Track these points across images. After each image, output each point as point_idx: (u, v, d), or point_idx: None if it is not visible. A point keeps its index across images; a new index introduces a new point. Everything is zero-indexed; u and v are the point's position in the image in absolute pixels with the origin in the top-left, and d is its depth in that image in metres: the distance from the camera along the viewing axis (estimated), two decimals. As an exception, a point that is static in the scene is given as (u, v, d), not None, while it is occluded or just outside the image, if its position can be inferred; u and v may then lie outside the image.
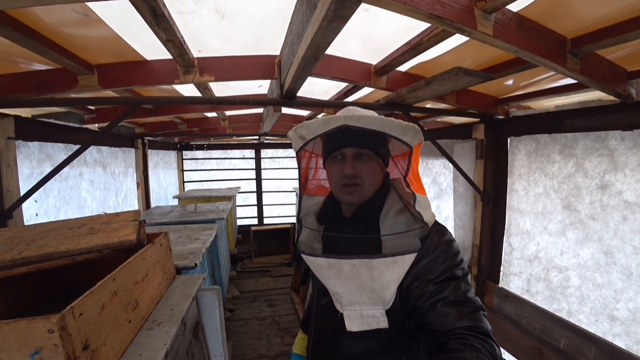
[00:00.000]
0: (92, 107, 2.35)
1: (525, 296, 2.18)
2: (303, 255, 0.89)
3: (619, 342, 1.68)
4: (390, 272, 0.78)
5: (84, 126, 2.38)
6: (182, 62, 1.60)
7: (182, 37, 1.38)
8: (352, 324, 0.81)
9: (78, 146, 1.86)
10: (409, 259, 0.78)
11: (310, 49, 1.00)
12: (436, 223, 0.87)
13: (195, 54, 1.63)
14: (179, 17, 1.25)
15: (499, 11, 1.11)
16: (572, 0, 1.10)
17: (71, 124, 2.22)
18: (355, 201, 0.90)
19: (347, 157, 0.88)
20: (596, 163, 1.77)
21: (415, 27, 1.35)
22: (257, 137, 5.19)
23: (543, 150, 2.05)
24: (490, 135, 2.31)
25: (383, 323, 0.80)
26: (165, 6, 1.09)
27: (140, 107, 1.76)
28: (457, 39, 1.45)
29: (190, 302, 1.31)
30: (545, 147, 2.03)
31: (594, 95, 1.78)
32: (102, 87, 1.63)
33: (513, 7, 1.15)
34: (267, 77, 1.80)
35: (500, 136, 2.29)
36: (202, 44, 1.54)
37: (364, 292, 0.81)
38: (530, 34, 1.21)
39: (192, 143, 5.29)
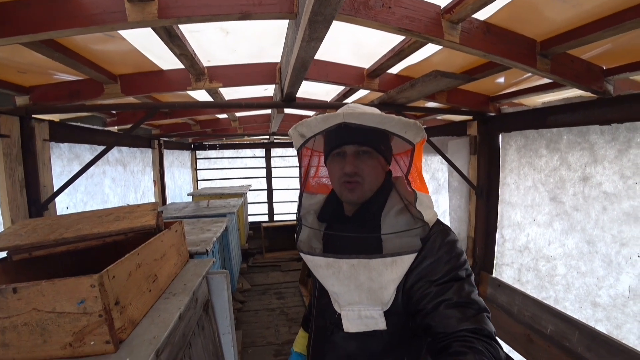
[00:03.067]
0: (114, 112, 2.60)
1: (517, 285, 2.28)
2: (302, 254, 0.89)
3: (601, 327, 1.77)
4: (389, 273, 0.77)
5: (107, 128, 2.62)
6: (194, 71, 1.80)
7: (193, 51, 1.58)
8: (350, 325, 0.81)
9: (102, 147, 2.09)
10: (408, 259, 0.77)
11: (298, 61, 1.17)
12: (440, 223, 0.86)
13: (205, 63, 1.83)
14: (190, 35, 1.44)
15: (465, 21, 1.25)
16: (539, 5, 1.20)
17: (95, 127, 2.46)
18: (356, 199, 0.88)
19: (347, 154, 0.86)
20: (578, 156, 1.87)
21: (395, 36, 1.50)
22: (267, 136, 5.40)
23: (531, 145, 2.15)
24: (483, 131, 2.42)
25: (381, 324, 0.79)
26: (178, 28, 1.29)
27: (158, 111, 1.96)
28: (432, 48, 1.58)
29: (200, 280, 1.50)
30: (533, 142, 2.14)
31: (577, 92, 1.87)
32: (124, 94, 1.85)
33: (480, 16, 1.29)
34: (269, 82, 1.98)
35: (492, 132, 2.40)
36: (210, 55, 1.73)
37: (363, 292, 0.80)
38: (497, 39, 1.35)
39: (205, 143, 5.56)
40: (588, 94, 1.77)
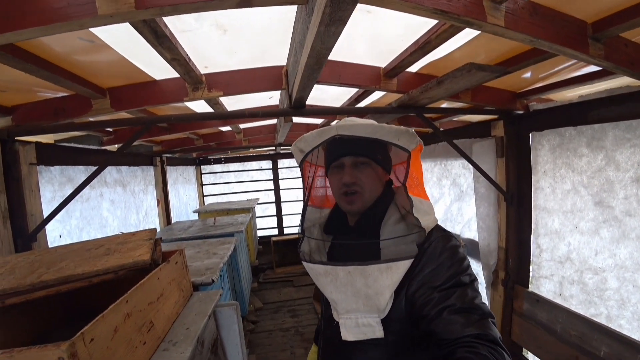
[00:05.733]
0: (110, 129, 2.43)
1: (558, 300, 2.03)
2: (303, 263, 0.91)
3: (668, 349, 1.53)
4: (384, 279, 0.78)
5: (103, 148, 2.46)
6: (190, 80, 1.62)
7: (187, 55, 1.40)
8: (348, 333, 0.81)
9: (97, 167, 1.91)
10: (403, 265, 0.78)
11: (312, 57, 0.98)
12: (441, 229, 0.87)
13: (202, 70, 1.66)
14: (182, 36, 1.26)
15: (509, 0, 1.05)
16: None
17: (91, 147, 2.30)
18: (356, 209, 0.90)
19: (345, 165, 0.89)
20: (629, 154, 1.64)
21: (422, 25, 1.31)
22: (273, 147, 5.23)
23: (569, 144, 1.92)
24: (510, 131, 2.20)
25: (378, 332, 0.79)
26: (166, 26, 1.11)
27: (154, 126, 1.79)
28: (468, 34, 1.39)
29: (206, 320, 1.30)
30: (570, 141, 1.91)
31: (620, 81, 1.66)
32: (114, 110, 1.68)
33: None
34: (275, 88, 1.79)
35: (521, 132, 2.18)
36: (207, 60, 1.55)
37: (360, 299, 0.80)
38: (545, 22, 1.14)
39: (209, 157, 5.40)
40: (635, 82, 1.57)
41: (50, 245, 1.86)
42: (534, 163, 2.14)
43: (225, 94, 1.72)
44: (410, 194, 0.84)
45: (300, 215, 1.00)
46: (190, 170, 5.00)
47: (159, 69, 1.53)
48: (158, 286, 1.22)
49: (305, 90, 1.41)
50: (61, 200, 1.79)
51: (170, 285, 1.34)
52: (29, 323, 1.31)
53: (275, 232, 5.89)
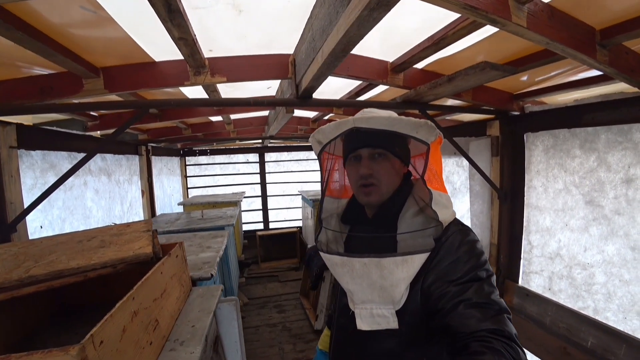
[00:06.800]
0: (96, 114, 2.28)
1: (547, 294, 2.12)
2: (320, 253, 0.92)
3: (651, 340, 1.63)
4: (400, 271, 0.78)
5: (88, 133, 2.30)
6: (193, 63, 1.54)
7: (195, 35, 1.32)
8: (363, 323, 0.82)
9: (82, 154, 1.79)
10: (419, 258, 0.78)
11: (341, 43, 0.94)
12: (459, 223, 0.86)
13: (207, 53, 1.57)
14: (193, 13, 1.18)
15: (531, 2, 1.06)
16: None
17: (74, 132, 2.14)
18: (373, 202, 0.90)
19: (362, 157, 0.90)
20: (620, 157, 1.72)
21: (441, 20, 1.30)
22: (260, 140, 5.12)
23: (562, 146, 2.00)
24: (506, 131, 2.26)
25: (393, 323, 0.80)
26: (180, 1, 1.03)
27: (148, 111, 1.69)
28: (480, 34, 1.40)
29: (211, 317, 1.24)
30: (564, 142, 1.98)
31: (613, 87, 1.74)
32: (108, 91, 1.56)
33: (545, -3, 1.11)
34: (280, 76, 1.74)
35: (516, 132, 2.24)
36: (214, 42, 1.47)
37: (375, 290, 0.81)
38: (561, 25, 1.17)
39: (195, 148, 5.21)
40: (628, 89, 1.64)
41: (30, 237, 1.72)
42: (528, 163, 2.21)
43: (229, 80, 1.64)
44: (429, 187, 0.84)
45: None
46: (175, 161, 4.81)
47: (161, 49, 1.44)
48: (161, 281, 1.15)
49: (320, 79, 1.37)
50: (42, 188, 1.66)
51: (172, 280, 1.27)
52: (11, 322, 1.20)
53: (261, 226, 5.80)
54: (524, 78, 1.94)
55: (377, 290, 0.81)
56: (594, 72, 1.66)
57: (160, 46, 1.43)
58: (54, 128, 1.96)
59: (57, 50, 1.21)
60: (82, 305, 1.48)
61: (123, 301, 0.84)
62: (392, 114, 0.92)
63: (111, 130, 2.49)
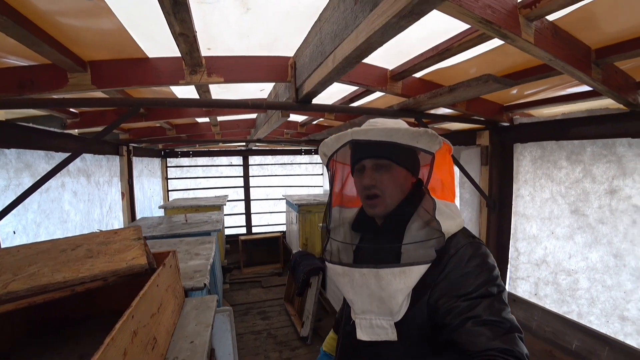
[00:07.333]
0: (76, 111, 2.13)
1: (534, 300, 2.19)
2: (326, 262, 0.93)
3: (631, 341, 1.71)
4: (397, 282, 0.78)
5: (66, 131, 2.15)
6: (190, 61, 1.47)
7: (196, 32, 1.26)
8: (362, 333, 0.82)
9: (60, 154, 1.66)
10: (417, 270, 0.78)
11: (359, 49, 0.92)
12: (471, 235, 0.85)
13: (204, 52, 1.51)
14: (198, 8, 1.13)
15: (538, 20, 1.09)
16: (598, 13, 1.12)
17: (52, 129, 1.99)
18: (378, 213, 0.90)
19: (366, 168, 0.90)
20: (604, 169, 1.81)
21: (446, 31, 1.31)
22: (244, 143, 5.02)
23: (549, 157, 2.08)
24: (496, 141, 2.33)
25: (392, 335, 0.79)
26: (187, -8, 0.97)
27: (139, 110, 1.59)
28: (482, 48, 1.43)
29: (210, 331, 1.17)
30: (551, 154, 2.07)
31: (598, 103, 1.83)
32: (96, 87, 1.46)
33: (549, 17, 1.14)
34: (279, 79, 1.69)
35: (505, 143, 2.31)
36: (214, 40, 1.42)
37: (374, 301, 0.81)
38: (563, 43, 1.21)
39: (176, 150, 5.03)
40: (614, 105, 1.73)
41: (2, 244, 1.57)
42: (516, 172, 2.29)
43: (227, 81, 1.58)
44: (435, 196, 0.83)
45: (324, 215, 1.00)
46: (156, 162, 4.60)
47: (157, 44, 1.37)
48: (157, 295, 1.07)
49: (325, 84, 1.34)
50: (18, 189, 1.53)
51: (167, 292, 1.19)
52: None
53: (244, 230, 5.67)
54: (514, 91, 2.00)
55: (376, 300, 0.81)
56: (581, 88, 1.74)
57: (156, 41, 1.35)
58: (31, 125, 1.81)
59: (43, 40, 1.11)
60: (63, 319, 1.37)
61: (123, 321, 0.76)
62: (400, 123, 0.92)
63: (91, 129, 2.34)
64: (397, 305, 0.78)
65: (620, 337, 1.75)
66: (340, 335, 1.05)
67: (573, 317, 1.96)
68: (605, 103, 1.78)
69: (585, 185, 1.90)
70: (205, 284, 1.56)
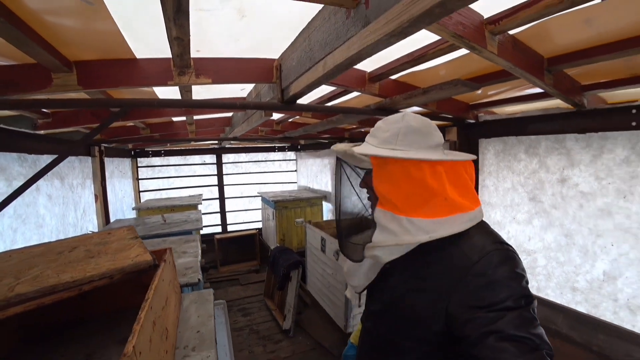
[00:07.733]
0: (48, 111, 2.05)
1: (498, 280, 2.43)
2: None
3: (581, 308, 1.98)
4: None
5: (37, 132, 2.05)
6: (179, 63, 1.49)
7: (190, 36, 1.29)
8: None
9: (33, 156, 1.61)
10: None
11: (350, 58, 1.02)
12: (498, 241, 0.80)
13: (194, 54, 1.53)
14: (195, 14, 1.17)
15: (501, 34, 1.25)
16: (550, 29, 1.29)
17: (23, 130, 1.90)
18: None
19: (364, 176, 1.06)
20: (556, 160, 2.06)
21: (420, 40, 1.44)
22: (217, 141, 4.96)
23: (510, 150, 2.31)
24: (463, 137, 2.54)
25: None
26: (188, 2, 1.02)
27: (128, 111, 1.58)
28: (451, 55, 1.58)
29: (214, 321, 1.23)
30: (512, 148, 2.30)
31: (551, 103, 2.07)
32: (82, 87, 1.44)
33: (510, 31, 1.31)
34: (265, 80, 1.75)
35: (471, 138, 2.53)
36: (205, 44, 1.45)
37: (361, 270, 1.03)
38: (521, 54, 1.39)
39: (147, 149, 4.86)
40: (564, 105, 1.97)
41: (-21, 251, 1.50)
42: (481, 165, 2.51)
43: (215, 82, 1.62)
44: (388, 208, 0.83)
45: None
46: (126, 162, 4.42)
47: (148, 45, 1.38)
48: (164, 289, 1.12)
49: (312, 87, 1.43)
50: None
51: (169, 287, 1.23)
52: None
53: (219, 229, 5.61)
54: (479, 92, 2.20)
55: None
56: (537, 90, 1.97)
57: (147, 43, 1.36)
58: (1, 126, 1.73)
59: (34, 40, 1.10)
60: (56, 323, 1.35)
61: (145, 310, 0.82)
62: (369, 149, 0.93)
63: (63, 129, 2.25)
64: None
65: (572, 305, 2.01)
66: (362, 331, 1.10)
67: (533, 291, 2.13)
68: (556, 103, 2.02)
69: (540, 175, 2.15)
70: (199, 279, 1.60)
